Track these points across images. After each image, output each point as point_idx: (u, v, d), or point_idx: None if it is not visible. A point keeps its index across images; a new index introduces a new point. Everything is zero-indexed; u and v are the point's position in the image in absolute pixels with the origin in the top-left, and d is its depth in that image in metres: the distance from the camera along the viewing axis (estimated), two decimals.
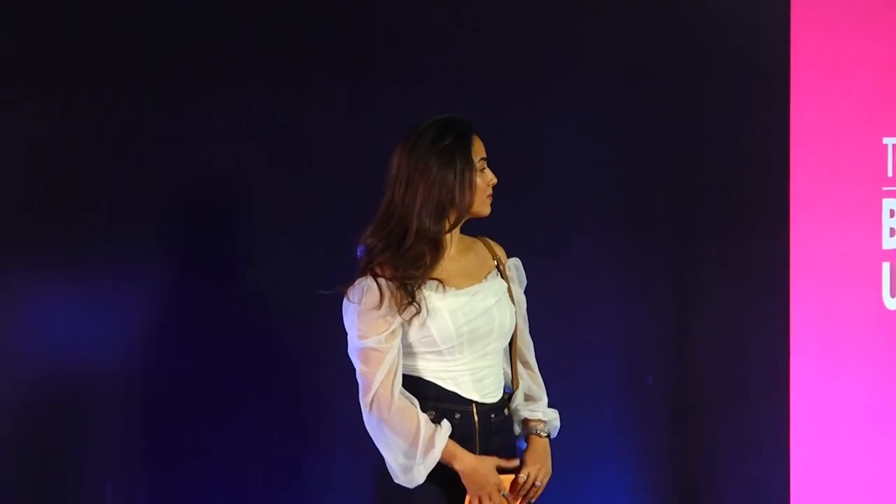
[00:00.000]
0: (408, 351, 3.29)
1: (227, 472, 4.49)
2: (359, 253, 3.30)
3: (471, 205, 3.30)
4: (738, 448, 4.67)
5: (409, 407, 3.24)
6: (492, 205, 3.35)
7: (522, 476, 3.33)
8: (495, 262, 3.42)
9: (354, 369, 3.29)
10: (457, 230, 3.35)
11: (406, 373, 3.29)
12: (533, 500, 3.39)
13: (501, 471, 3.32)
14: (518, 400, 3.45)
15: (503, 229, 3.52)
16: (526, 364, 3.48)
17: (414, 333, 3.27)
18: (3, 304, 4.34)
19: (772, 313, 4.55)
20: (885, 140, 4.49)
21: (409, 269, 3.24)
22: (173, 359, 4.45)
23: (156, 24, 4.41)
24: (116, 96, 4.38)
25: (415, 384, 3.29)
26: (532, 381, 3.48)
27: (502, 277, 3.42)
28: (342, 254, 3.47)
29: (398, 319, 3.24)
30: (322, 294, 3.32)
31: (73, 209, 4.38)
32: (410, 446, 3.23)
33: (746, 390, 4.66)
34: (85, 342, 4.39)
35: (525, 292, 3.48)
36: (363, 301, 3.24)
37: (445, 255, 3.32)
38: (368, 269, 3.26)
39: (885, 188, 4.50)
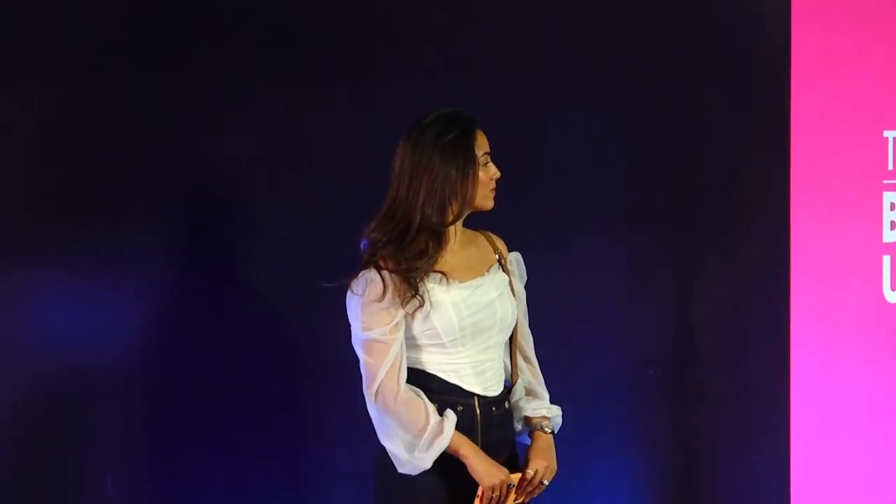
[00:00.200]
0: (411, 343, 3.30)
1: (228, 466, 4.49)
2: (362, 246, 3.31)
3: (474, 199, 3.31)
4: (739, 442, 4.68)
5: (415, 398, 3.25)
6: (495, 199, 3.36)
7: (530, 472, 3.34)
8: (497, 256, 3.43)
9: (355, 363, 3.30)
10: (459, 223, 3.36)
11: (409, 365, 3.30)
12: (535, 495, 3.39)
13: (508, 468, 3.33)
14: (518, 395, 3.45)
15: (505, 225, 3.54)
16: (526, 358, 3.49)
17: (417, 326, 3.28)
18: (4, 299, 4.34)
19: (772, 307, 4.55)
20: (886, 133, 4.49)
21: (412, 262, 3.25)
22: (174, 354, 4.45)
23: (157, 20, 4.42)
24: (118, 93, 4.38)
25: (418, 377, 3.30)
26: (532, 376, 3.49)
27: (503, 271, 3.43)
28: (343, 250, 3.48)
29: (401, 312, 3.25)
30: (323, 289, 3.32)
31: (73, 205, 4.38)
32: (415, 437, 3.23)
33: (747, 384, 4.67)
34: (86, 338, 4.40)
35: (526, 287, 3.49)
36: (367, 293, 3.25)
37: (448, 248, 3.33)
38: (372, 262, 3.27)
39: (885, 182, 4.50)
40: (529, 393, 3.47)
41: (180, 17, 4.43)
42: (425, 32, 4.57)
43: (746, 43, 4.61)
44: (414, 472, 3.24)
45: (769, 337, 4.58)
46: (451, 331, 3.28)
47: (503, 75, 4.59)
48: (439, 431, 3.23)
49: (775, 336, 4.53)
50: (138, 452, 4.45)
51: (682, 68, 4.66)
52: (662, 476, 4.71)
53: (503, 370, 3.42)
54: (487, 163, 3.34)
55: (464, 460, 3.26)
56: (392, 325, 3.24)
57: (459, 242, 3.37)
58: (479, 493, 3.27)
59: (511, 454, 3.42)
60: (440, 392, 3.29)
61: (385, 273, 3.24)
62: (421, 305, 3.25)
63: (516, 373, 3.46)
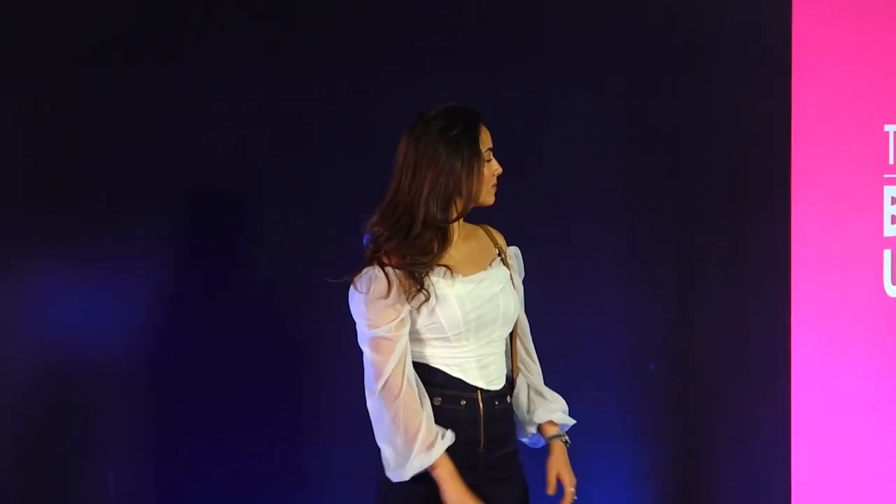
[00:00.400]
0: (414, 338, 3.30)
1: (229, 461, 4.49)
2: (365, 241, 3.30)
3: (478, 194, 3.30)
4: (740, 434, 4.68)
5: (415, 402, 3.23)
6: (496, 194, 3.36)
7: (571, 490, 3.37)
8: (497, 250, 3.43)
9: (359, 358, 3.29)
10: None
11: (413, 359, 3.30)
12: None
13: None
14: (526, 395, 3.46)
15: (506, 218, 3.53)
16: (528, 352, 3.49)
17: (422, 320, 3.27)
18: (4, 292, 4.34)
19: (773, 300, 4.56)
20: (887, 127, 4.49)
21: (416, 257, 3.24)
22: (175, 347, 4.45)
23: (158, 9, 4.41)
24: (119, 82, 4.38)
25: (421, 370, 3.30)
26: (537, 375, 3.49)
27: (504, 265, 3.43)
28: (344, 242, 3.48)
29: (407, 307, 3.25)
30: (324, 284, 3.32)
31: (74, 195, 4.38)
32: (405, 443, 3.22)
33: (748, 377, 4.67)
34: (87, 331, 4.39)
35: (527, 280, 3.49)
36: (371, 290, 3.24)
37: (451, 242, 3.32)
38: (375, 258, 3.26)
39: (886, 175, 4.51)
40: (538, 395, 3.47)
41: (179, 8, 4.43)
42: (427, 21, 4.57)
43: (747, 36, 4.61)
44: (395, 479, 3.24)
45: (770, 330, 4.58)
46: (455, 325, 3.27)
47: (504, 64, 4.59)
48: (429, 446, 3.22)
49: (776, 329, 4.54)
50: (139, 448, 4.45)
51: (684, 62, 4.66)
52: (663, 468, 4.72)
53: (505, 364, 3.42)
54: (490, 159, 3.33)
55: (439, 482, 3.23)
56: (398, 321, 3.24)
57: (461, 236, 3.36)
58: None
59: (513, 448, 3.42)
60: (443, 386, 3.29)
61: (389, 269, 3.23)
62: (427, 300, 3.25)
63: (517, 367, 3.46)
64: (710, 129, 4.67)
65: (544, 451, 3.46)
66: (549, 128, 4.64)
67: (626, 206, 4.67)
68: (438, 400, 3.28)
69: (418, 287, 3.23)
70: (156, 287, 4.44)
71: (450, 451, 3.25)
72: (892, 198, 4.50)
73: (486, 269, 3.36)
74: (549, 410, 3.44)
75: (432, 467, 3.22)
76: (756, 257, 4.64)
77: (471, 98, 3.39)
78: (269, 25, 4.48)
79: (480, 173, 3.29)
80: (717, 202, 4.68)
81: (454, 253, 3.32)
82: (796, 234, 4.49)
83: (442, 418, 3.27)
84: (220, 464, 4.47)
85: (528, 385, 3.46)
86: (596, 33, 4.63)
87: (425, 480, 3.24)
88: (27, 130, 4.34)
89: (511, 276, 3.42)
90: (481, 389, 3.32)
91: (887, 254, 4.50)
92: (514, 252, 3.48)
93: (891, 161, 4.50)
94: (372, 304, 3.24)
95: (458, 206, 3.29)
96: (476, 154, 3.28)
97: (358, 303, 3.27)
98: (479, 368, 3.33)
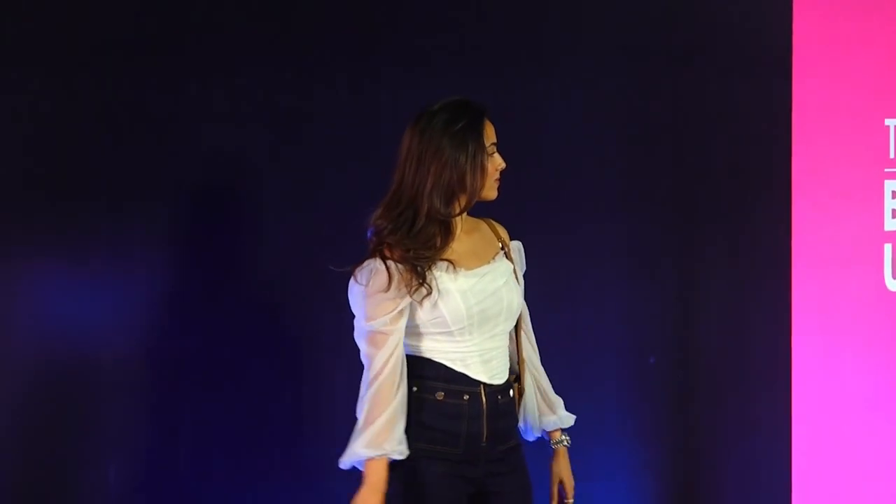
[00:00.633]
0: (417, 332, 3.30)
1: (229, 456, 4.48)
2: (369, 234, 3.29)
3: (481, 188, 3.30)
4: (740, 429, 4.69)
5: (391, 393, 3.22)
6: (498, 189, 3.36)
7: (570, 503, 3.43)
8: (500, 244, 3.43)
9: (357, 352, 3.30)
10: None
11: (415, 354, 3.30)
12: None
13: None
14: (534, 399, 3.46)
15: (507, 212, 3.53)
16: (533, 347, 3.50)
17: (425, 314, 3.27)
18: (4, 288, 4.33)
19: (774, 294, 4.57)
20: (888, 122, 4.51)
21: (420, 251, 3.24)
22: (175, 342, 4.44)
23: (158, 9, 4.41)
24: (118, 79, 4.36)
25: (423, 365, 3.30)
26: (542, 374, 3.50)
27: (507, 258, 3.42)
28: (344, 241, 3.47)
29: (406, 300, 3.24)
30: (326, 278, 3.33)
31: (73, 192, 4.37)
32: (360, 427, 3.24)
33: (748, 371, 4.68)
34: (86, 326, 4.38)
35: (527, 278, 3.49)
36: (371, 283, 3.24)
37: (454, 236, 3.32)
38: (378, 251, 3.25)
39: (887, 170, 4.52)
40: (544, 398, 3.48)
41: (179, 8, 4.43)
42: (427, 16, 4.57)
43: (748, 32, 4.62)
44: (341, 464, 3.26)
45: (770, 325, 4.59)
46: (459, 319, 3.27)
47: (504, 58, 4.59)
48: (375, 445, 3.21)
49: (776, 324, 4.54)
50: (139, 442, 4.44)
51: (684, 58, 4.67)
52: (663, 464, 4.72)
53: (508, 359, 3.42)
54: (494, 153, 3.33)
55: (362, 485, 3.24)
56: (395, 313, 3.23)
57: (464, 230, 3.36)
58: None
59: (516, 443, 3.42)
60: (446, 381, 3.29)
61: (391, 263, 3.23)
62: (429, 294, 3.24)
63: (522, 360, 3.46)
64: (710, 125, 4.68)
65: (545, 448, 3.47)
66: (549, 127, 4.64)
67: (627, 204, 4.68)
68: (441, 394, 3.28)
69: (420, 281, 3.23)
70: (156, 285, 4.43)
71: (453, 444, 3.26)
72: (893, 192, 4.52)
73: (489, 262, 3.36)
74: (559, 419, 3.47)
75: (366, 468, 3.23)
76: (756, 254, 4.65)
77: (470, 93, 3.39)
78: (269, 25, 4.48)
79: (484, 168, 3.29)
80: (717, 196, 4.68)
81: (457, 247, 3.32)
82: (797, 229, 4.50)
83: (445, 413, 3.28)
84: (221, 460, 4.46)
85: (536, 387, 3.47)
86: (596, 33, 4.64)
87: (444, 476, 3.26)
88: (27, 130, 4.34)
89: (514, 269, 3.42)
90: (484, 384, 3.32)
91: (888, 248, 4.52)
92: (516, 246, 3.48)
93: (891, 155, 4.52)
94: (371, 297, 3.24)
95: (462, 200, 3.29)
96: (480, 148, 3.27)
97: (357, 295, 3.27)
98: (483, 363, 3.33)
